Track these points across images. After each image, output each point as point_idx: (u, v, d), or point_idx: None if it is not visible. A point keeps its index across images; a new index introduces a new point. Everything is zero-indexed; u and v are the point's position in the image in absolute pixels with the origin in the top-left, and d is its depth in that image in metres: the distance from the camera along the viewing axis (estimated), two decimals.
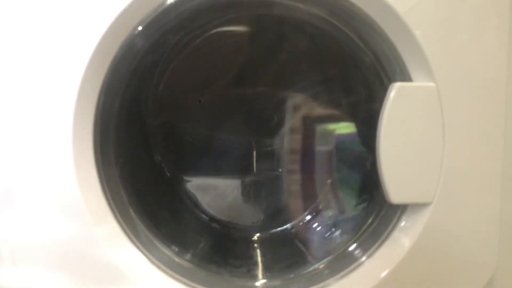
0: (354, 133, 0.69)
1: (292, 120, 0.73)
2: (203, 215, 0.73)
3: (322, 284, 0.54)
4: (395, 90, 0.49)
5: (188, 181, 0.74)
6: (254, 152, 0.73)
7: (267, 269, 0.62)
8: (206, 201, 0.74)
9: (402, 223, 0.53)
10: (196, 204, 0.74)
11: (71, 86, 0.47)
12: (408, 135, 0.49)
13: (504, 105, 0.51)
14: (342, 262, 0.56)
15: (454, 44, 0.49)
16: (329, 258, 0.59)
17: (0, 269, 0.50)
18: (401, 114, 0.49)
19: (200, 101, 0.74)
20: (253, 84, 0.73)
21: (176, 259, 0.56)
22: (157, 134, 0.74)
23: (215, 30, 0.63)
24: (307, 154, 0.73)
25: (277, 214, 0.74)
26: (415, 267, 0.52)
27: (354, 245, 0.58)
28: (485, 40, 0.50)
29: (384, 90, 0.50)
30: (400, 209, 0.53)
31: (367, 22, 0.50)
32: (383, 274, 0.51)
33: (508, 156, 0.52)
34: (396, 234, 0.53)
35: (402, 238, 0.52)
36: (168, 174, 0.74)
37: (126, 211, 0.55)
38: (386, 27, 0.49)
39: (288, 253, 0.68)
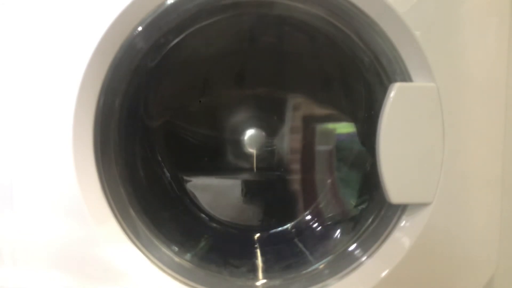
0: (354, 133, 0.69)
1: (292, 120, 0.73)
2: (203, 215, 0.73)
3: (322, 284, 0.54)
4: (395, 90, 0.49)
5: (188, 181, 0.74)
6: (254, 152, 0.73)
7: (267, 269, 0.62)
8: (206, 201, 0.74)
9: (402, 223, 0.53)
10: (196, 204, 0.74)
11: (71, 86, 0.47)
12: (408, 135, 0.49)
13: (504, 105, 0.51)
14: (342, 262, 0.56)
15: (454, 44, 0.49)
16: (329, 258, 0.59)
17: (1, 269, 0.50)
18: (401, 114, 0.49)
19: (200, 101, 0.74)
20: (253, 84, 0.73)
21: (176, 259, 0.56)
22: (157, 134, 0.74)
23: (215, 30, 0.63)
24: (307, 154, 0.73)
25: (277, 214, 0.74)
26: (415, 267, 0.52)
27: (354, 245, 0.58)
28: (485, 40, 0.50)
29: (384, 90, 0.50)
30: (400, 209, 0.53)
31: (367, 22, 0.50)
32: (383, 274, 0.51)
33: (508, 156, 0.52)
34: (396, 234, 0.53)
35: (402, 238, 0.52)
36: (168, 174, 0.74)
37: (126, 211, 0.55)
38: (386, 27, 0.49)
39: (288, 253, 0.68)
